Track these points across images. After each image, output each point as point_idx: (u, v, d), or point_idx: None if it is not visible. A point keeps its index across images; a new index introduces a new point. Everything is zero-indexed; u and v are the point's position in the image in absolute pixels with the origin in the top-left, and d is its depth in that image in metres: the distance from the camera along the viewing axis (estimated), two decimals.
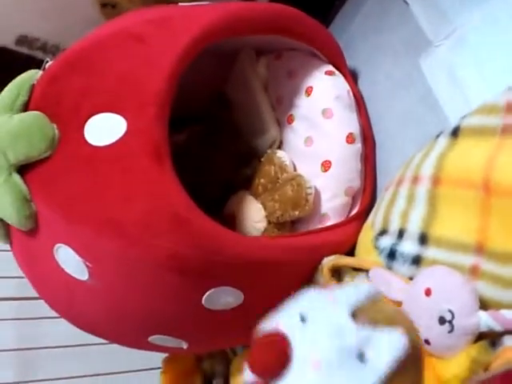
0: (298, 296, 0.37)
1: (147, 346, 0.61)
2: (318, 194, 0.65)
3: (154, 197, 0.49)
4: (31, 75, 0.58)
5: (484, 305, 0.45)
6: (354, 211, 0.66)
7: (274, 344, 0.33)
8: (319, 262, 0.59)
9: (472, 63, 0.57)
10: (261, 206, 0.65)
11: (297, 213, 0.63)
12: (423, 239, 0.51)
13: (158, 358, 0.78)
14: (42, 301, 0.63)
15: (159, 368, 0.79)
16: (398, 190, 0.56)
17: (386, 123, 0.68)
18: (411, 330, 0.36)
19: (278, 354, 0.33)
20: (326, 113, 0.66)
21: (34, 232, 0.54)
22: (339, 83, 0.67)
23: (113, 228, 0.49)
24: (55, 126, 0.53)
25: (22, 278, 0.63)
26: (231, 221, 0.68)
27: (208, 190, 0.69)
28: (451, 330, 0.45)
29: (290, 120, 0.71)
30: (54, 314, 0.63)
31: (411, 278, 0.50)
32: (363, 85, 0.72)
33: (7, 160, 0.53)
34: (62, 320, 0.63)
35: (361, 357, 0.31)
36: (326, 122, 0.65)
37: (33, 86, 0.57)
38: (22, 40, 0.74)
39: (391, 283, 0.51)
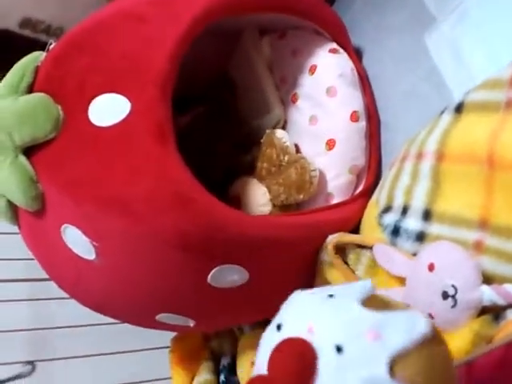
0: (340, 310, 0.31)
1: (155, 324, 0.62)
2: (322, 175, 0.65)
3: (158, 175, 0.50)
4: (35, 57, 0.58)
5: (487, 279, 0.46)
6: (359, 189, 0.66)
7: (302, 354, 0.29)
8: (324, 240, 0.59)
9: (475, 38, 0.56)
10: (265, 189, 0.66)
11: (301, 196, 0.63)
12: (427, 215, 0.51)
13: (166, 336, 0.79)
14: (51, 282, 0.64)
15: (168, 347, 0.80)
16: (403, 166, 0.56)
17: (390, 101, 0.68)
18: None
19: (304, 365, 0.29)
20: (329, 91, 0.65)
21: (41, 213, 0.55)
22: (343, 61, 0.66)
23: (118, 206, 0.50)
24: (60, 107, 0.54)
25: (32, 259, 0.64)
26: (236, 204, 0.68)
27: (210, 173, 0.69)
28: (454, 305, 0.45)
29: (294, 99, 0.71)
30: (64, 294, 0.64)
31: (415, 255, 0.51)
32: (368, 63, 0.71)
33: (13, 141, 0.53)
34: (72, 300, 0.64)
35: None
36: (330, 100, 0.65)
37: (37, 68, 0.57)
38: (26, 23, 0.74)
39: (394, 259, 0.51)
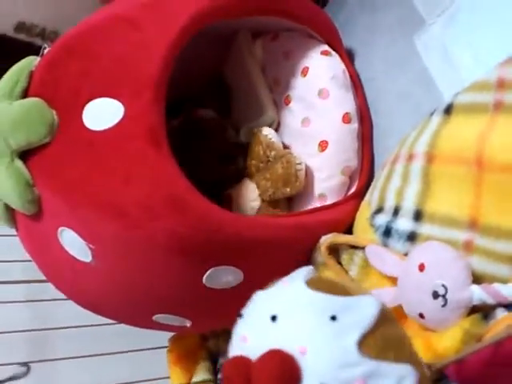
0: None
1: (152, 324, 0.63)
2: (309, 171, 0.66)
3: (153, 179, 0.50)
4: (29, 62, 0.59)
5: (477, 279, 0.46)
6: (352, 190, 0.67)
7: (285, 364, 0.31)
8: (317, 240, 0.60)
9: (464, 41, 0.57)
10: (255, 185, 0.67)
11: (288, 190, 0.64)
12: (418, 216, 0.52)
13: (164, 337, 0.80)
14: (48, 283, 0.65)
15: (166, 347, 0.81)
16: (394, 167, 0.57)
17: (382, 102, 0.69)
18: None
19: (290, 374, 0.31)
20: (322, 93, 0.66)
21: (38, 216, 0.56)
22: (335, 63, 0.67)
23: (113, 210, 0.51)
24: (54, 111, 0.54)
25: (29, 261, 0.64)
26: (228, 201, 0.69)
27: (202, 176, 0.70)
28: (444, 304, 0.46)
29: (287, 101, 0.72)
30: (61, 295, 0.65)
31: (406, 255, 0.51)
32: (360, 65, 0.72)
33: (9, 146, 0.54)
34: (69, 301, 0.65)
35: None
36: (323, 102, 0.66)
37: (31, 73, 0.58)
38: (21, 27, 0.74)
39: (386, 259, 0.52)
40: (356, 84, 0.70)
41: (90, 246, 0.53)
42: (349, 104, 0.66)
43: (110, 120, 0.52)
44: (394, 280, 0.51)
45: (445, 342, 0.46)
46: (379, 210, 0.57)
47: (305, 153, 0.68)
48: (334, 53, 0.68)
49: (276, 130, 0.73)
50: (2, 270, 0.77)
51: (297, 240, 0.60)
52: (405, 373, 0.33)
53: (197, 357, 0.77)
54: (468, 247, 0.48)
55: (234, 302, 0.62)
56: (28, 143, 0.54)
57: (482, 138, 0.48)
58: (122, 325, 0.67)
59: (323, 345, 0.32)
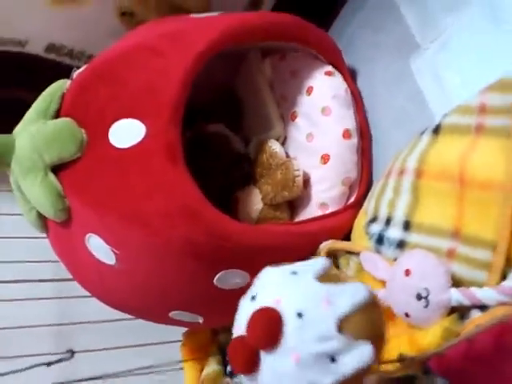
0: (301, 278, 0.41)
1: (169, 320, 0.69)
2: (310, 179, 0.73)
3: (170, 192, 0.57)
4: (61, 84, 0.66)
5: (456, 283, 0.52)
6: (352, 199, 0.73)
7: (271, 319, 0.39)
8: (318, 246, 0.66)
9: (454, 66, 0.63)
10: (258, 190, 0.74)
11: (286, 193, 0.71)
12: (407, 226, 0.58)
13: (179, 332, 0.86)
14: (75, 282, 0.72)
15: (180, 341, 0.87)
16: (387, 181, 0.63)
17: (381, 119, 0.75)
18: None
19: (273, 328, 0.38)
20: (324, 111, 0.72)
21: (68, 223, 0.63)
22: (337, 83, 0.73)
23: (136, 220, 0.57)
24: (83, 130, 0.61)
25: (58, 262, 0.71)
26: (235, 203, 0.77)
27: (211, 181, 0.77)
28: (427, 305, 0.51)
29: (294, 117, 0.78)
30: (86, 293, 0.72)
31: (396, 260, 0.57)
32: (361, 83, 0.78)
33: (43, 161, 0.61)
34: (93, 298, 0.72)
35: (333, 360, 0.38)
36: (325, 119, 0.72)
37: (63, 94, 0.64)
38: (51, 48, 0.81)
39: (377, 265, 0.58)
40: (357, 100, 0.75)
41: (115, 250, 0.60)
42: (349, 121, 0.72)
43: (133, 138, 0.59)
44: (384, 283, 0.57)
45: (427, 338, 0.52)
46: (374, 219, 0.63)
47: (309, 165, 0.74)
48: (336, 73, 0.74)
49: (283, 143, 0.79)
50: (32, 269, 0.85)
51: (300, 246, 0.67)
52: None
53: (208, 350, 0.83)
54: (451, 254, 0.54)
55: None
56: (60, 159, 0.61)
57: (465, 158, 0.54)
58: (140, 321, 0.73)
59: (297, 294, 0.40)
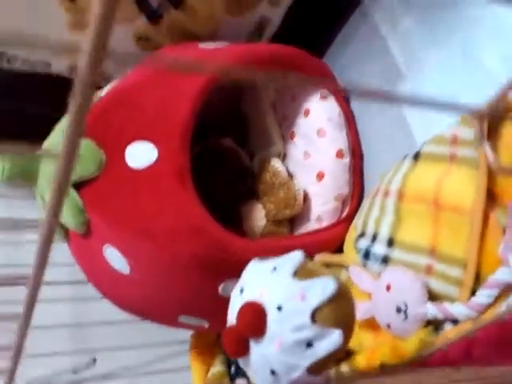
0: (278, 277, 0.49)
1: (177, 324, 0.77)
2: (308, 197, 0.80)
3: (179, 211, 0.64)
4: None
5: (433, 297, 0.58)
6: (344, 214, 0.79)
7: (256, 312, 0.47)
8: (312, 258, 0.73)
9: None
10: (261, 206, 0.81)
11: (288, 212, 0.78)
12: (390, 242, 0.64)
13: (186, 334, 0.93)
14: (90, 285, 0.79)
15: (187, 341, 0.94)
16: (374, 200, 0.70)
17: (371, 139, 0.81)
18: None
19: (258, 320, 0.47)
20: (320, 132, 0.79)
21: (87, 235, 0.70)
22: (331, 106, 0.80)
23: (147, 235, 0.64)
24: (102, 150, 0.68)
25: (74, 265, 0.78)
26: (239, 217, 0.83)
27: (216, 194, 0.83)
28: (405, 318, 0.58)
29: (292, 136, 0.85)
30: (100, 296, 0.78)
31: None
32: (355, 106, 0.84)
33: None
34: (105, 301, 0.78)
35: (309, 345, 0.46)
36: (320, 139, 0.79)
37: None
38: (73, 68, 0.88)
39: (363, 279, 0.64)
40: (350, 122, 0.82)
41: (129, 261, 0.67)
42: (342, 142, 0.78)
43: (147, 160, 0.66)
44: (369, 295, 0.64)
45: (407, 347, 0.58)
46: (362, 235, 0.70)
47: (306, 181, 0.81)
48: (331, 97, 0.81)
49: (283, 159, 0.86)
50: (50, 272, 0.92)
51: None
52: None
53: (214, 351, 0.89)
54: (428, 271, 0.60)
55: None
56: (80, 177, 0.68)
57: (440, 183, 0.60)
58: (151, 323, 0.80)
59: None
